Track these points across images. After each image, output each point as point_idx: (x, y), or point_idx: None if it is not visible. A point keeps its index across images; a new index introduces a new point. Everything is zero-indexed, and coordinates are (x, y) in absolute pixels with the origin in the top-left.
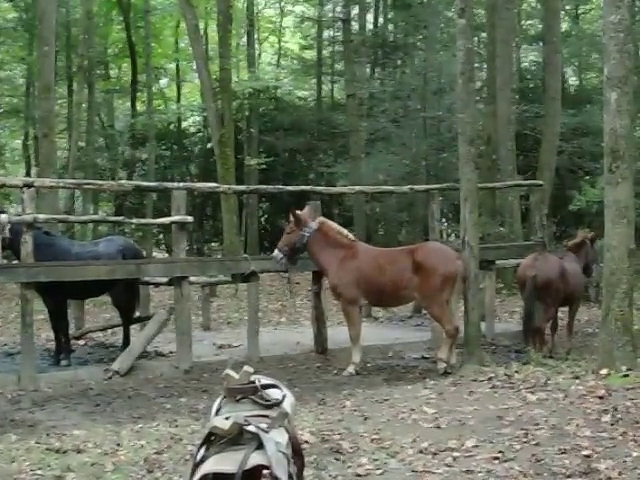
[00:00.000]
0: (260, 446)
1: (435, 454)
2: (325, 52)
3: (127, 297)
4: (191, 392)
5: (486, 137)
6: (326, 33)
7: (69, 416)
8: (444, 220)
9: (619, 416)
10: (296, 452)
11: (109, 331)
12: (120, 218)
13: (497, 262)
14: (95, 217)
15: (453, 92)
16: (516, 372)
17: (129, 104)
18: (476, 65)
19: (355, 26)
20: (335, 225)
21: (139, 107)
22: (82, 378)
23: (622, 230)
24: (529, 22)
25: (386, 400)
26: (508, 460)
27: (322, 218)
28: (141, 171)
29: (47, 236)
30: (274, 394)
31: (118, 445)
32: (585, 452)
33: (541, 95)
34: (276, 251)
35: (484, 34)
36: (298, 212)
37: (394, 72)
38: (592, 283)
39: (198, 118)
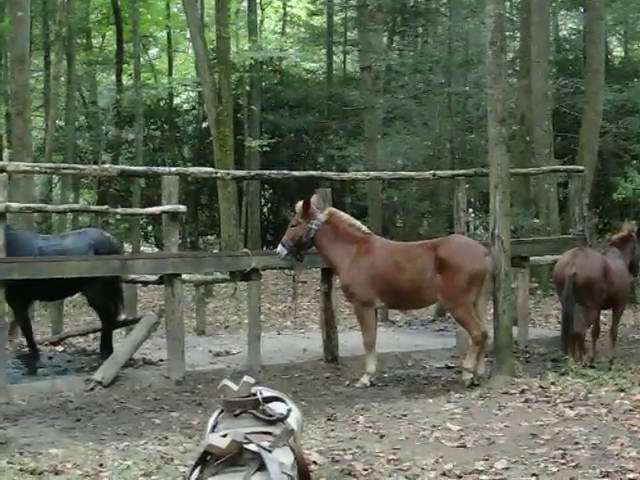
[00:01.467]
0: (262, 467)
1: (460, 477)
2: (336, 18)
3: (106, 297)
4: (184, 406)
5: (519, 116)
6: None
7: (45, 432)
8: (471, 210)
9: None
10: (303, 474)
11: (91, 336)
12: (103, 207)
13: (531, 258)
14: (75, 206)
15: (482, 64)
16: (552, 384)
17: (114, 78)
18: (508, 34)
19: None
20: (347, 216)
21: (125, 81)
22: (60, 389)
23: None
24: None
25: (405, 415)
26: None
27: (332, 208)
28: (127, 154)
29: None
30: (278, 408)
31: (101, 466)
32: (630, 475)
33: (582, 68)
34: (280, 246)
35: None
36: (305, 201)
37: (415, 41)
38: (639, 282)
39: (192, 94)
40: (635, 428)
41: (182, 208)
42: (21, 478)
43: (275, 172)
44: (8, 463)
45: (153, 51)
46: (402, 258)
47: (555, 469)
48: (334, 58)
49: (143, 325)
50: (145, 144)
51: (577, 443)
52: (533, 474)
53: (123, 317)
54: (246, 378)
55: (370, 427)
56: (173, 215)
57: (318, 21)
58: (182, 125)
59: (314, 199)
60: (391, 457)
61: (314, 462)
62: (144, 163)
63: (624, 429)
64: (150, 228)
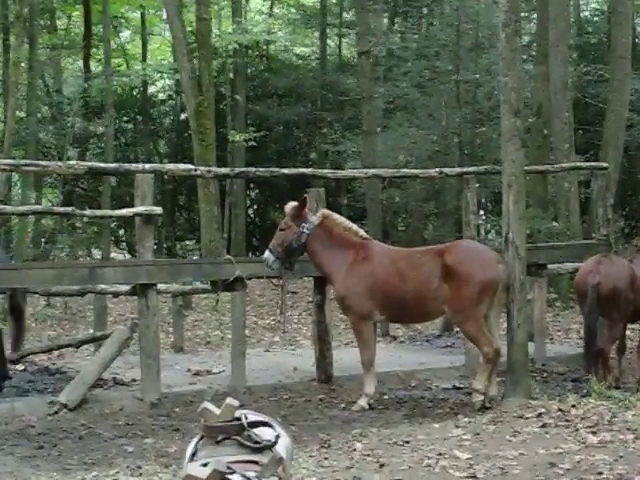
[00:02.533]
0: None
1: None
2: None
3: None
4: (159, 431)
5: (536, 107)
6: None
7: (4, 461)
8: (482, 213)
9: None
10: None
11: (55, 353)
12: (69, 209)
13: (549, 266)
14: (37, 207)
15: (494, 49)
16: (573, 407)
17: (81, 64)
18: (523, 15)
19: None
20: (342, 219)
21: (94, 68)
22: (20, 413)
23: None
24: None
25: (407, 442)
26: None
27: (326, 210)
28: (96, 149)
29: None
30: (265, 434)
31: None
32: None
33: (606, 53)
34: (267, 252)
35: None
36: (295, 202)
37: (419, 23)
38: None
39: (169, 82)
40: None
41: (157, 210)
42: None
43: (262, 169)
44: None
45: (125, 34)
46: (405, 266)
47: None
48: (328, 42)
49: (113, 341)
50: (116, 138)
51: (600, 473)
52: None
53: (92, 332)
54: (229, 400)
55: (368, 455)
56: (147, 218)
57: (310, 0)
58: (158, 117)
59: (305, 200)
60: None
61: None
62: (115, 159)
63: None
64: (122, 232)
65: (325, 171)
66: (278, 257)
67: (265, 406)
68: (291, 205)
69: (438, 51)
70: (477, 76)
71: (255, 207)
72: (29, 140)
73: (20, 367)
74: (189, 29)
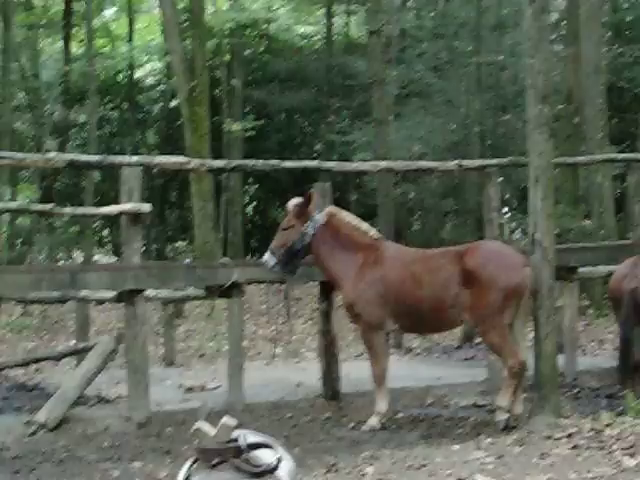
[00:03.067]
0: None
1: None
2: None
3: None
4: (148, 454)
5: (566, 92)
6: None
7: None
8: (506, 210)
9: None
10: None
11: (32, 367)
12: (48, 206)
13: (581, 269)
14: (12, 205)
15: (519, 28)
16: (607, 426)
17: (61, 45)
18: None
19: None
20: (351, 217)
21: (75, 49)
22: None
23: None
24: None
25: (424, 466)
26: None
27: (333, 207)
28: (78, 140)
29: None
30: (265, 457)
31: None
32: None
33: None
34: (268, 254)
35: None
36: (298, 199)
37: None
38: None
39: (158, 65)
40: None
41: (146, 207)
42: None
43: (262, 162)
44: None
45: (109, 11)
46: (420, 269)
47: None
48: (335, 20)
49: (97, 353)
50: (100, 127)
51: None
52: None
53: (73, 343)
54: (226, 420)
55: None
56: (135, 216)
57: None
58: (146, 104)
59: (310, 196)
60: None
61: None
62: (98, 151)
63: None
64: (106, 232)
65: (332, 164)
66: (280, 260)
67: (265, 426)
68: (294, 202)
69: (457, 30)
70: (500, 58)
71: (254, 204)
72: (3, 130)
73: None
74: (181, 6)
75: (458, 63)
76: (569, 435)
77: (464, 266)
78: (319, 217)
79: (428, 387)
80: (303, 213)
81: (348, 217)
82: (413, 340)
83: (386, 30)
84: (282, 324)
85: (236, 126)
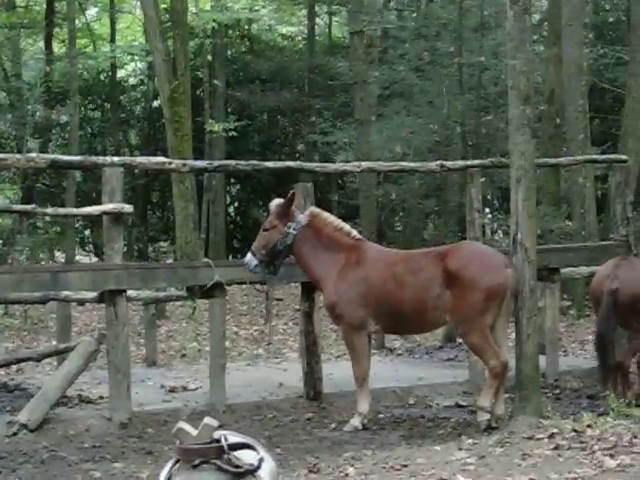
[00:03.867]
0: None
1: None
2: None
3: None
4: (130, 454)
5: (547, 93)
6: None
7: None
8: (487, 210)
9: None
10: None
11: (13, 367)
12: (29, 207)
13: (563, 270)
14: None
15: (501, 29)
16: (589, 427)
17: (42, 45)
18: None
19: None
20: (333, 218)
21: (57, 49)
22: None
23: None
24: None
25: (405, 466)
26: None
27: (315, 208)
28: (59, 140)
29: None
30: (247, 457)
31: None
32: None
33: (625, 33)
34: (249, 255)
35: None
36: (280, 199)
37: (418, 0)
38: None
39: (140, 65)
40: None
41: (127, 208)
42: None
43: (244, 163)
44: None
45: (92, 12)
46: (402, 270)
47: None
48: (317, 20)
49: (79, 354)
50: (81, 128)
51: None
52: None
53: (54, 344)
54: (207, 420)
55: None
56: (116, 216)
57: None
58: (128, 104)
59: (291, 197)
60: None
61: None
62: (80, 151)
63: None
64: (87, 233)
65: (314, 164)
66: (261, 260)
67: (247, 426)
68: (276, 202)
69: (439, 31)
70: (482, 59)
71: (236, 204)
72: None
73: None
74: (163, 6)
75: (440, 64)
76: (551, 436)
77: (446, 267)
78: (301, 218)
79: (410, 387)
80: (285, 214)
81: (330, 218)
82: (395, 341)
83: (368, 31)
84: (264, 324)
85: (218, 126)
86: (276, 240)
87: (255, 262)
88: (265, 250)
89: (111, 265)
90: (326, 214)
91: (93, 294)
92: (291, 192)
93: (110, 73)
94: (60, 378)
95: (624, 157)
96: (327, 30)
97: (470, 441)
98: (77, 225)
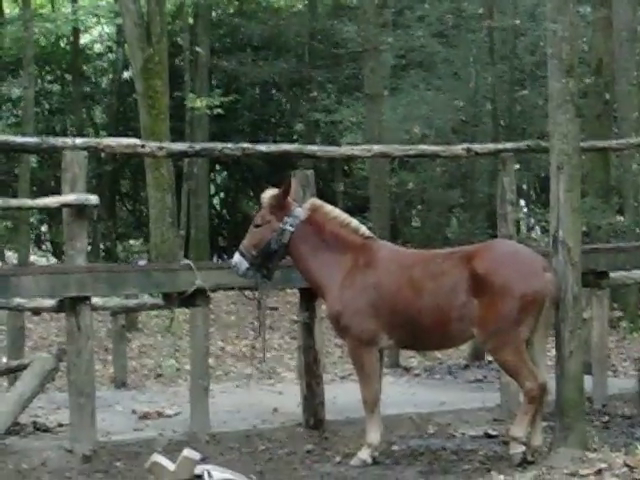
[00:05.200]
0: None
1: None
2: None
3: None
4: None
5: (595, 63)
6: None
7: None
8: (523, 203)
9: None
10: None
11: None
12: None
13: (612, 275)
14: None
15: None
16: None
17: None
18: None
19: None
20: (338, 211)
21: (8, 10)
22: None
23: None
24: None
25: None
26: None
27: (316, 200)
28: (11, 118)
29: None
30: None
31: None
32: None
33: None
34: (237, 256)
35: None
36: (275, 190)
37: None
38: None
39: (108, 29)
40: None
41: (92, 199)
42: None
43: (232, 146)
44: None
45: None
46: (420, 274)
47: None
48: None
49: (34, 373)
50: (38, 103)
51: None
52: None
53: (4, 361)
54: (187, 452)
55: None
56: (79, 209)
57: None
58: (93, 76)
59: (288, 187)
60: None
61: None
62: (36, 131)
63: None
64: (44, 229)
65: (315, 148)
66: (252, 263)
67: (235, 459)
68: (269, 193)
69: None
70: (517, 22)
71: (222, 195)
72: None
73: None
74: None
75: (467, 28)
76: (598, 472)
77: (473, 270)
78: (299, 211)
79: (429, 414)
80: (280, 207)
81: (334, 212)
82: (412, 358)
83: None
84: (255, 339)
85: (201, 102)
86: (270, 238)
87: (245, 265)
88: (257, 250)
89: (73, 267)
90: (329, 207)
91: (51, 302)
92: (287, 181)
93: (72, 39)
94: (11, 402)
95: None
96: None
97: (501, 477)
98: (32, 220)
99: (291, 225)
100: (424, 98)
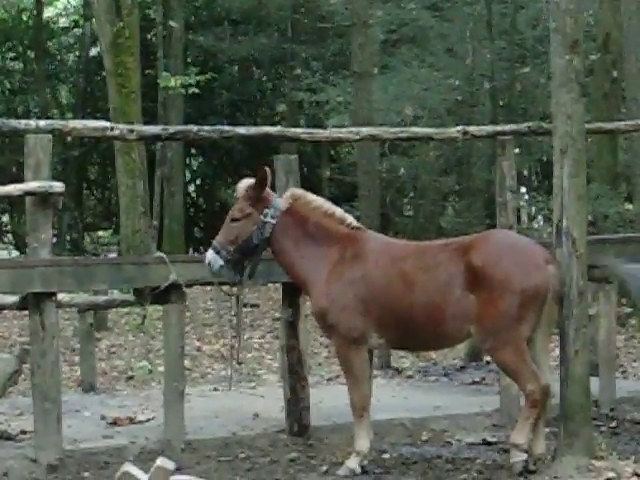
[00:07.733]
0: None
1: None
2: None
3: None
4: None
5: (601, 38)
6: None
7: None
8: (524, 190)
9: None
10: None
11: None
12: None
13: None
14: None
15: None
16: None
17: None
18: None
19: None
20: (322, 201)
21: None
22: None
23: None
24: None
25: None
26: None
27: (296, 189)
28: None
29: None
30: None
31: None
32: None
33: None
34: (210, 252)
35: None
36: (250, 180)
37: None
38: None
39: (74, 1)
40: None
41: (58, 186)
42: None
43: (208, 128)
44: None
45: None
46: (413, 267)
47: None
48: None
49: None
50: None
51: None
52: None
53: None
54: (161, 461)
55: None
56: (43, 198)
57: None
58: (57, 52)
59: (268, 174)
60: None
61: None
62: None
63: None
64: (6, 219)
65: (299, 130)
66: (229, 260)
67: (212, 469)
68: (245, 183)
69: None
70: None
71: (198, 182)
72: None
73: None
74: None
75: (462, 0)
76: None
77: (469, 263)
78: (280, 201)
79: (423, 419)
80: (259, 198)
81: (317, 201)
82: (404, 358)
83: None
84: (233, 338)
85: (175, 81)
86: (250, 233)
87: (220, 262)
88: (234, 246)
89: (36, 261)
90: (312, 196)
91: (13, 298)
92: (265, 168)
93: (35, 12)
94: None
95: None
96: None
97: None
98: None
99: (272, 217)
100: (417, 76)
